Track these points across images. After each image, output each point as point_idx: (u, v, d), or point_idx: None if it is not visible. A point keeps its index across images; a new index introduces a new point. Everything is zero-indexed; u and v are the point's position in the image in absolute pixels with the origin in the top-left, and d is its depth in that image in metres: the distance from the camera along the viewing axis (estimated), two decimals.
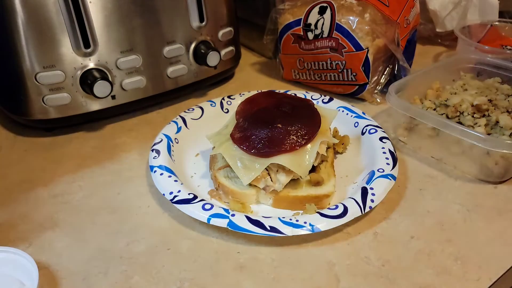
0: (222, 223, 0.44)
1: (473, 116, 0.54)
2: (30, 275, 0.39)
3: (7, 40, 0.55)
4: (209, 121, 0.62)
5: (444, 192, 0.51)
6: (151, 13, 0.61)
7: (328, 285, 0.41)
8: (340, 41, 0.66)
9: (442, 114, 0.57)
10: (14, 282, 0.39)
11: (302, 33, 0.70)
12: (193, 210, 0.46)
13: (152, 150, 0.55)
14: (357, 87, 0.68)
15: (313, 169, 0.51)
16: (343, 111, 0.62)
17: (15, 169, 0.57)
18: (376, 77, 0.68)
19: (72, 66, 0.58)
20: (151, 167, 0.52)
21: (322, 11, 0.67)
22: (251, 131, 0.49)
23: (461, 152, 0.53)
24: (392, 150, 0.53)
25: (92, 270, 0.43)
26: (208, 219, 0.45)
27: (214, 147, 0.53)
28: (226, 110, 0.65)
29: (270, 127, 0.49)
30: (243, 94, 0.67)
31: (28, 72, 0.57)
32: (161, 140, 0.56)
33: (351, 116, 0.62)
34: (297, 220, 0.44)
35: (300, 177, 0.49)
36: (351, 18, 0.65)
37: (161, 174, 0.51)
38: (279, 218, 0.44)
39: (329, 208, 0.45)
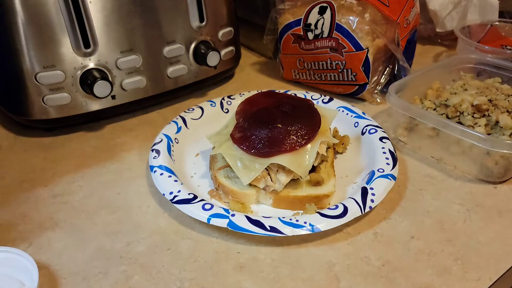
0: (222, 223, 0.44)
1: (473, 116, 0.54)
2: (30, 275, 0.39)
3: (7, 40, 0.55)
4: (209, 121, 0.62)
5: (444, 192, 0.51)
6: (151, 13, 0.61)
7: (328, 285, 0.41)
8: (340, 41, 0.66)
9: (442, 114, 0.57)
10: (14, 282, 0.39)
11: (302, 33, 0.70)
12: (193, 210, 0.46)
13: (152, 150, 0.55)
14: (357, 87, 0.68)
15: (313, 169, 0.51)
16: (343, 111, 0.62)
17: (15, 169, 0.57)
18: (376, 77, 0.68)
19: (72, 66, 0.58)
20: (151, 167, 0.52)
21: (322, 11, 0.67)
22: (251, 131, 0.49)
23: (461, 152, 0.53)
24: (392, 150, 0.53)
25: (92, 270, 0.43)
26: (208, 219, 0.45)
27: (214, 147, 0.53)
28: (226, 110, 0.65)
29: (270, 127, 0.49)
30: (243, 94, 0.67)
31: (28, 72, 0.57)
32: (161, 140, 0.56)
33: (351, 116, 0.62)
34: (297, 220, 0.44)
35: (300, 177, 0.49)
36: (351, 18, 0.65)
37: (161, 174, 0.51)
38: (279, 218, 0.44)
39: (329, 208, 0.45)
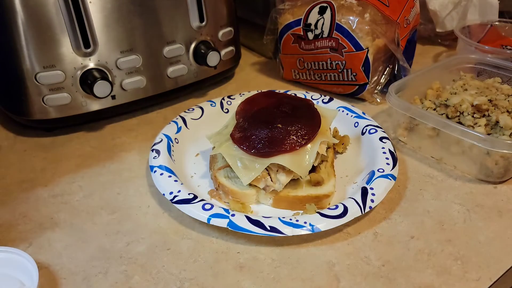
0: (222, 223, 0.44)
1: (473, 116, 0.54)
2: (30, 275, 0.39)
3: (7, 40, 0.55)
4: (209, 121, 0.62)
5: (444, 192, 0.51)
6: (151, 13, 0.61)
7: (328, 285, 0.41)
8: (340, 41, 0.66)
9: (442, 114, 0.57)
10: (14, 282, 0.39)
11: (302, 33, 0.70)
12: (193, 210, 0.46)
13: (152, 150, 0.55)
14: (357, 87, 0.68)
15: (313, 169, 0.51)
16: (343, 111, 0.62)
17: (15, 169, 0.57)
18: (376, 77, 0.68)
19: (72, 66, 0.58)
20: (151, 167, 0.52)
21: (322, 11, 0.67)
22: (251, 131, 0.49)
23: (461, 152, 0.53)
24: (392, 150, 0.53)
25: (92, 270, 0.43)
26: (208, 219, 0.45)
27: (214, 147, 0.53)
28: (226, 110, 0.65)
29: (270, 127, 0.49)
30: (243, 94, 0.67)
31: (28, 72, 0.57)
32: (161, 140, 0.56)
33: (351, 116, 0.62)
34: (297, 220, 0.44)
35: (300, 177, 0.49)
36: (351, 18, 0.65)
37: (161, 174, 0.51)
38: (279, 218, 0.44)
39: (329, 208, 0.45)
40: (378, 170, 0.50)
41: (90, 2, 0.56)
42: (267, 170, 0.48)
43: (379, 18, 0.65)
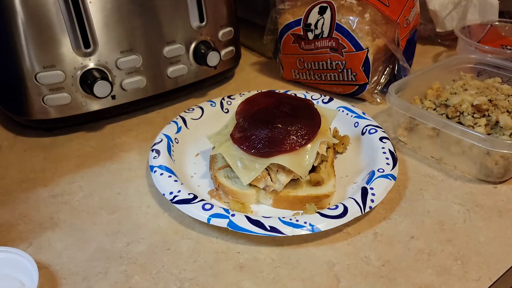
0: (222, 223, 0.44)
1: (473, 116, 0.54)
2: (30, 275, 0.39)
3: (7, 40, 0.55)
4: (209, 121, 0.62)
5: (444, 192, 0.51)
6: (151, 13, 0.61)
7: (328, 285, 0.41)
8: (340, 41, 0.66)
9: (442, 114, 0.57)
10: (14, 282, 0.39)
11: (302, 33, 0.70)
12: (193, 210, 0.46)
13: (152, 150, 0.55)
14: (357, 87, 0.68)
15: (313, 169, 0.51)
16: (343, 111, 0.62)
17: (15, 169, 0.57)
18: (376, 77, 0.68)
19: (72, 66, 0.58)
20: (151, 167, 0.52)
21: (322, 11, 0.67)
22: (251, 131, 0.49)
23: (461, 152, 0.53)
24: (392, 150, 0.53)
25: (92, 270, 0.43)
26: (208, 219, 0.45)
27: (214, 147, 0.53)
28: (226, 110, 0.65)
29: (270, 127, 0.49)
30: (243, 94, 0.67)
31: (28, 72, 0.57)
32: (161, 140, 0.56)
33: (351, 116, 0.62)
34: (297, 220, 0.44)
35: (300, 177, 0.49)
36: (351, 18, 0.65)
37: (161, 174, 0.51)
38: (279, 218, 0.44)
39: (329, 208, 0.45)
40: (378, 170, 0.50)
41: (90, 2, 0.56)
42: (267, 170, 0.48)
43: (379, 18, 0.65)
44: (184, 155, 0.57)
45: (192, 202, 0.46)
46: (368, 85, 0.67)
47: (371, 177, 0.50)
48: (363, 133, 0.58)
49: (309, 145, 0.49)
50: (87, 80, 0.58)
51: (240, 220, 0.44)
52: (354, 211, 0.45)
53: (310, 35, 0.69)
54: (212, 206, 0.46)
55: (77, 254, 0.44)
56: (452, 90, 0.60)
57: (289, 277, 0.42)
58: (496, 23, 0.82)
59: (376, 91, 0.69)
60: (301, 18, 0.69)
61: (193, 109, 0.63)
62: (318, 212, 0.45)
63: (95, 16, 0.57)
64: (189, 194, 0.47)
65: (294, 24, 0.71)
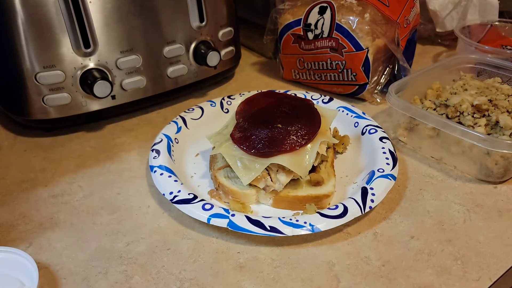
0: (222, 223, 0.44)
1: (473, 116, 0.54)
2: (30, 275, 0.39)
3: (7, 40, 0.55)
4: (209, 121, 0.62)
5: (444, 192, 0.51)
6: (151, 13, 0.61)
7: (328, 285, 0.41)
8: (340, 41, 0.66)
9: (442, 114, 0.57)
10: (14, 282, 0.39)
11: (302, 33, 0.70)
12: (193, 210, 0.46)
13: (152, 150, 0.55)
14: (357, 87, 0.68)
15: (313, 169, 0.51)
16: (343, 111, 0.62)
17: (15, 169, 0.57)
18: (376, 77, 0.68)
19: (72, 66, 0.58)
20: (151, 167, 0.52)
21: (322, 11, 0.67)
22: (251, 131, 0.49)
23: (461, 152, 0.53)
24: (392, 150, 0.53)
25: (92, 270, 0.43)
26: (208, 219, 0.45)
27: (214, 147, 0.53)
28: (226, 110, 0.65)
29: (270, 127, 0.49)
30: (243, 94, 0.67)
31: (28, 72, 0.57)
32: (161, 140, 0.56)
33: (351, 116, 0.62)
34: (297, 220, 0.44)
35: (300, 177, 0.49)
36: (351, 18, 0.65)
37: (161, 174, 0.51)
38: (279, 218, 0.44)
39: (329, 208, 0.45)
40: (378, 170, 0.50)
41: (90, 2, 0.56)
42: (267, 170, 0.48)
43: (379, 18, 0.65)
44: (184, 155, 0.57)
45: (192, 202, 0.46)
46: (368, 85, 0.67)
47: (371, 177, 0.50)
48: (363, 133, 0.58)
49: (309, 145, 0.49)
50: (87, 80, 0.58)
51: (240, 220, 0.44)
52: (354, 211, 0.45)
53: (310, 35, 0.69)
54: (212, 206, 0.46)
55: (77, 254, 0.44)
56: (452, 90, 0.60)
57: (289, 277, 0.42)
58: (496, 23, 0.82)
59: (376, 91, 0.69)
60: (301, 18, 0.69)
61: (193, 109, 0.63)
62: (318, 212, 0.45)
63: (95, 16, 0.57)
64: (189, 194, 0.47)
65: (294, 24, 0.71)
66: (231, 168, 0.49)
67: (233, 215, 0.45)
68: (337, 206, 0.45)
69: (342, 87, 0.70)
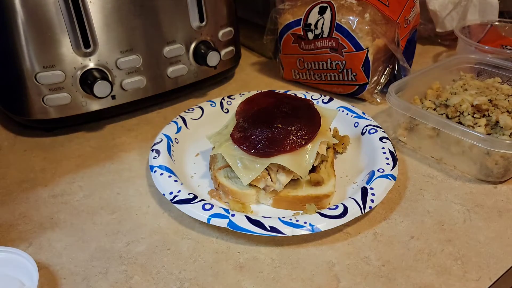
0: (222, 223, 0.44)
1: (473, 116, 0.54)
2: (30, 275, 0.39)
3: (7, 40, 0.55)
4: (209, 121, 0.62)
5: (444, 192, 0.51)
6: (151, 13, 0.61)
7: (328, 285, 0.41)
8: (340, 41, 0.66)
9: (442, 114, 0.57)
10: (14, 282, 0.39)
11: (302, 33, 0.70)
12: (193, 210, 0.46)
13: (152, 150, 0.55)
14: (357, 87, 0.68)
15: (313, 169, 0.51)
16: (343, 111, 0.62)
17: (15, 169, 0.57)
18: (376, 77, 0.68)
19: (72, 66, 0.58)
20: (151, 167, 0.52)
21: (322, 11, 0.67)
22: (251, 131, 0.49)
23: (461, 152, 0.53)
24: (392, 150, 0.53)
25: (92, 270, 0.43)
26: (208, 219, 0.45)
27: (214, 147, 0.53)
28: (226, 110, 0.65)
29: (270, 127, 0.49)
30: (243, 94, 0.67)
31: (28, 72, 0.57)
32: (161, 140, 0.56)
33: (351, 116, 0.62)
34: (297, 220, 0.44)
35: (300, 177, 0.49)
36: (351, 18, 0.65)
37: (161, 174, 0.51)
38: (279, 218, 0.44)
39: (329, 208, 0.45)
40: (378, 170, 0.50)
41: (90, 2, 0.56)
42: (267, 170, 0.48)
43: (379, 18, 0.65)
44: (184, 155, 0.57)
45: (192, 202, 0.46)
46: (368, 85, 0.67)
47: (371, 177, 0.50)
48: (363, 133, 0.58)
49: (309, 145, 0.49)
50: (87, 80, 0.58)
51: (240, 220, 0.44)
52: (354, 211, 0.45)
53: (310, 35, 0.69)
54: (212, 206, 0.46)
55: (77, 254, 0.44)
56: (452, 90, 0.60)
57: (289, 277, 0.42)
58: (496, 23, 0.82)
59: (376, 91, 0.69)
60: (301, 18, 0.69)
61: (193, 109, 0.63)
62: (318, 212, 0.45)
63: (95, 16, 0.57)
64: (189, 194, 0.47)
65: (294, 24, 0.71)
66: (231, 168, 0.49)
67: (233, 215, 0.45)
68: (337, 206, 0.45)
69: (342, 87, 0.70)
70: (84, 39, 0.57)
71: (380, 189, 0.48)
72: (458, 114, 0.55)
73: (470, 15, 0.84)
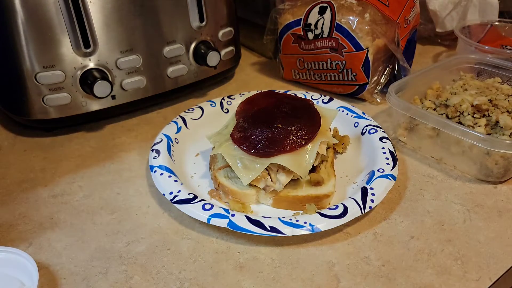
0: (222, 223, 0.44)
1: (473, 116, 0.54)
2: (30, 275, 0.39)
3: (7, 40, 0.55)
4: (209, 121, 0.62)
5: (444, 192, 0.51)
6: (151, 13, 0.61)
7: (328, 285, 0.41)
8: (340, 41, 0.66)
9: (442, 114, 0.57)
10: (14, 282, 0.39)
11: (302, 33, 0.70)
12: (193, 210, 0.46)
13: (152, 150, 0.55)
14: (357, 87, 0.68)
15: (313, 169, 0.51)
16: (343, 111, 0.62)
17: (15, 169, 0.57)
18: (376, 77, 0.68)
19: (72, 66, 0.58)
20: (151, 167, 0.52)
21: (322, 11, 0.67)
22: (251, 131, 0.49)
23: (461, 152, 0.53)
24: (392, 150, 0.53)
25: (92, 270, 0.43)
26: (208, 219, 0.45)
27: (214, 147, 0.53)
28: (226, 110, 0.65)
29: (270, 127, 0.49)
30: (243, 94, 0.67)
31: (28, 72, 0.57)
32: (161, 140, 0.56)
33: (351, 116, 0.62)
34: (297, 220, 0.44)
35: (300, 177, 0.49)
36: (351, 18, 0.65)
37: (161, 174, 0.51)
38: (279, 218, 0.44)
39: (329, 208, 0.45)
40: (378, 170, 0.50)
41: (90, 2, 0.56)
42: (267, 170, 0.48)
43: (379, 18, 0.65)
44: (184, 155, 0.57)
45: (192, 202, 0.46)
46: (368, 85, 0.67)
47: (371, 177, 0.50)
48: (363, 133, 0.58)
49: (309, 145, 0.49)
50: (87, 80, 0.58)
51: (240, 220, 0.44)
52: (354, 211, 0.45)
53: (310, 35, 0.69)
54: (212, 206, 0.46)
55: (77, 254, 0.44)
56: (452, 90, 0.60)
57: (289, 277, 0.42)
58: (496, 23, 0.82)
59: (376, 91, 0.69)
60: (301, 18, 0.69)
61: (193, 109, 0.63)
62: (318, 212, 0.45)
63: (95, 16, 0.57)
64: (189, 194, 0.47)
65: (294, 24, 0.71)
66: (231, 168, 0.49)
67: (233, 215, 0.45)
68: (337, 206, 0.45)
69: (342, 87, 0.70)
70: (84, 39, 0.57)
71: (380, 189, 0.48)
72: (458, 114, 0.55)
73: (470, 15, 0.84)
